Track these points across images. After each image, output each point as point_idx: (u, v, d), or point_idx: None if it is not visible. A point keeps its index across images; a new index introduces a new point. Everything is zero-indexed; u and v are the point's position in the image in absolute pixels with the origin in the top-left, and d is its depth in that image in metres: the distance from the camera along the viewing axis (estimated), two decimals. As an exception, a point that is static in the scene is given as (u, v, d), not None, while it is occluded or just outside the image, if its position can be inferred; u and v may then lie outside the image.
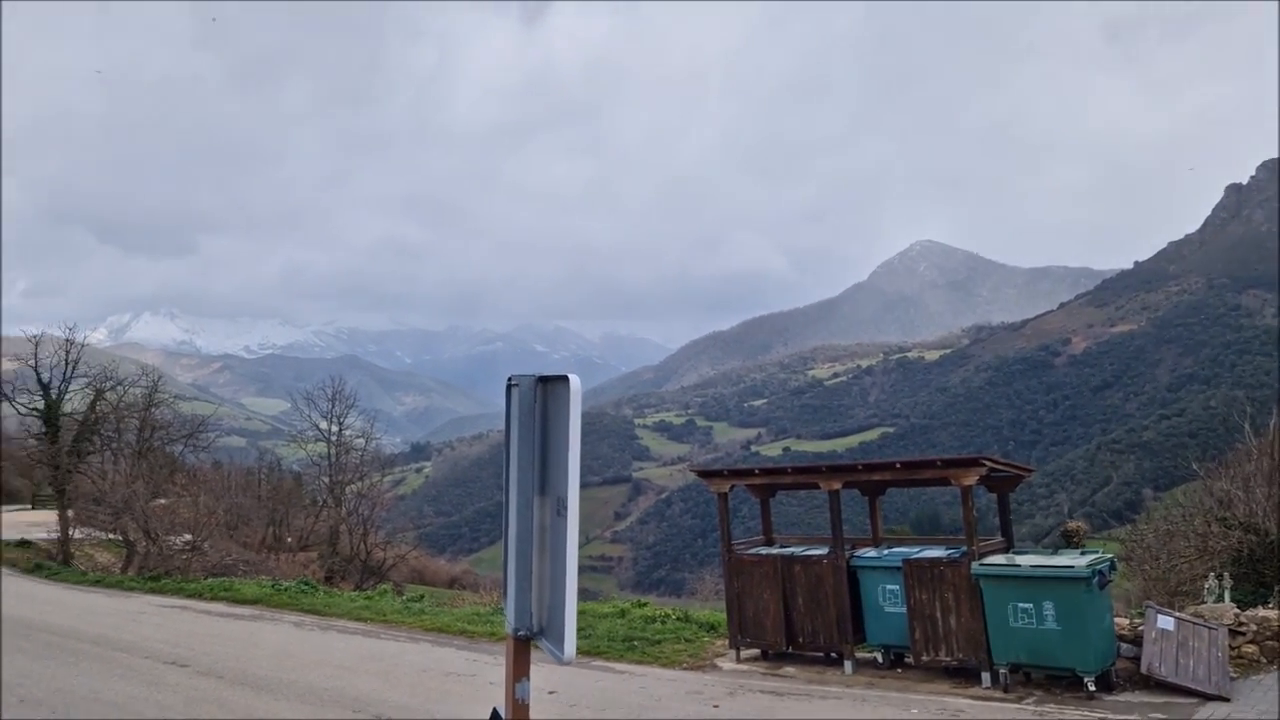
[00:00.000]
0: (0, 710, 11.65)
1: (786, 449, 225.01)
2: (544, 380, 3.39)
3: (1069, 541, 13.36)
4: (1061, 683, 11.24)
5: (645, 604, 19.30)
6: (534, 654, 3.70)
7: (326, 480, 51.99)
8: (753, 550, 14.19)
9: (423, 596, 24.56)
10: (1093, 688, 10.73)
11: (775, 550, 13.94)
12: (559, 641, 3.16)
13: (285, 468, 70.54)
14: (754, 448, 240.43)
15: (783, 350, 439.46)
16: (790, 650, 13.32)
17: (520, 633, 3.48)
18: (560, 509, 3.19)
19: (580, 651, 14.73)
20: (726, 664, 13.65)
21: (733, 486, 14.53)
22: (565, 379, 3.17)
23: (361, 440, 54.89)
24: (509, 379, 3.63)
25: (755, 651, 13.84)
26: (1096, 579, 10.73)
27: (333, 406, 53.73)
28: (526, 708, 3.53)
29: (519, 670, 3.50)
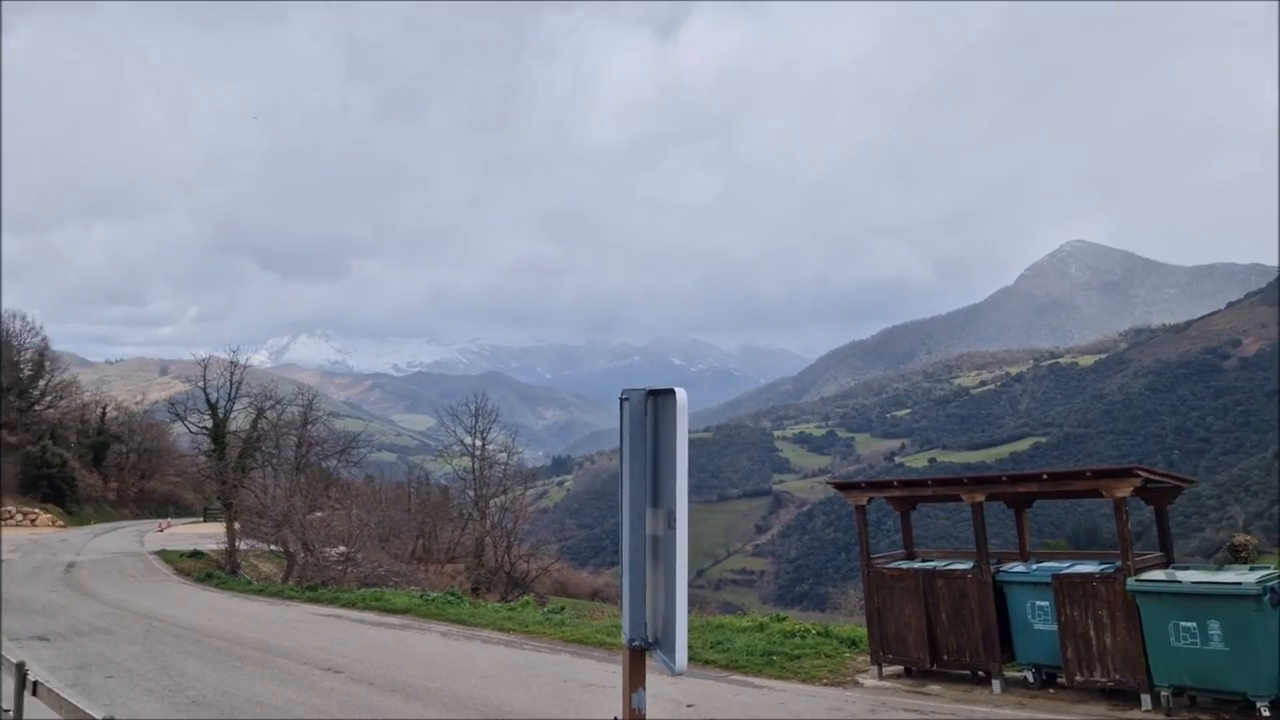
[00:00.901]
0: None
1: (932, 460, 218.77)
2: (653, 394, 3.40)
3: (1236, 556, 12.51)
4: (1231, 707, 10.48)
5: (784, 618, 19.06)
6: (652, 665, 3.71)
7: (472, 494, 53.50)
8: (893, 564, 13.83)
9: (564, 608, 24.96)
10: (1267, 714, 9.97)
11: (916, 564, 13.55)
12: (671, 652, 3.16)
13: (433, 482, 73.05)
14: (897, 459, 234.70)
15: (926, 359, 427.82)
16: (934, 668, 12.90)
17: (635, 643, 3.49)
18: (671, 521, 3.19)
19: (718, 665, 14.68)
20: (868, 681, 13.32)
21: (870, 499, 14.21)
22: (672, 393, 3.17)
23: (504, 454, 56.27)
24: (621, 393, 3.66)
25: (898, 668, 13.46)
26: (1268, 596, 9.98)
27: (476, 422, 55.35)
28: (643, 718, 3.54)
29: (635, 680, 3.51)
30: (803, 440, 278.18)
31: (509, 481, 53.28)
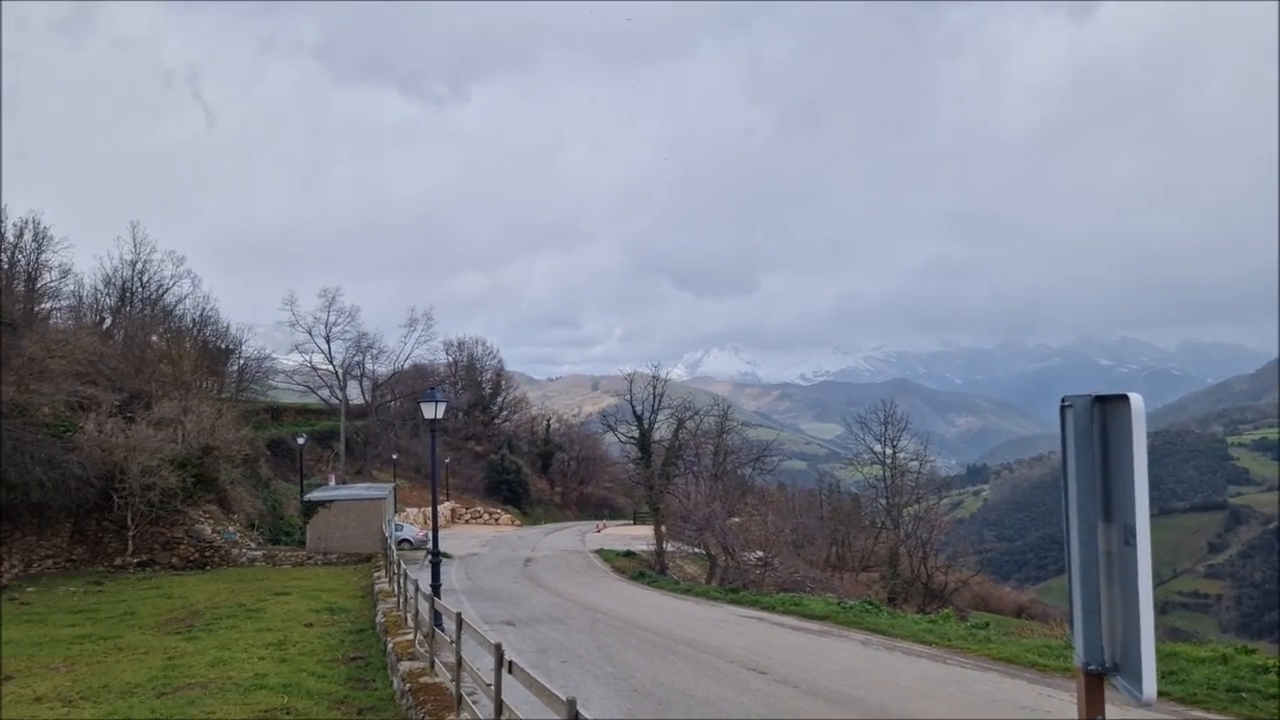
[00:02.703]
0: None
1: None
2: (1101, 400, 3.16)
3: None
4: None
5: (1253, 651, 16.62)
6: (1110, 693, 3.44)
7: (884, 502, 52.80)
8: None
9: (988, 624, 23.78)
10: None
11: None
12: (1136, 680, 2.91)
13: (843, 490, 73.02)
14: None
15: None
16: None
17: (1091, 667, 3.26)
18: (1128, 537, 2.95)
19: (1172, 698, 13.16)
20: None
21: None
22: (1125, 398, 2.93)
23: (916, 462, 54.93)
24: (1062, 400, 3.45)
25: None
26: None
27: (886, 429, 54.59)
28: (1103, 749, 3.28)
29: (1093, 708, 3.27)
30: (1265, 448, 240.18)
31: (922, 490, 51.90)
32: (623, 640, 19.69)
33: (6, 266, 55.51)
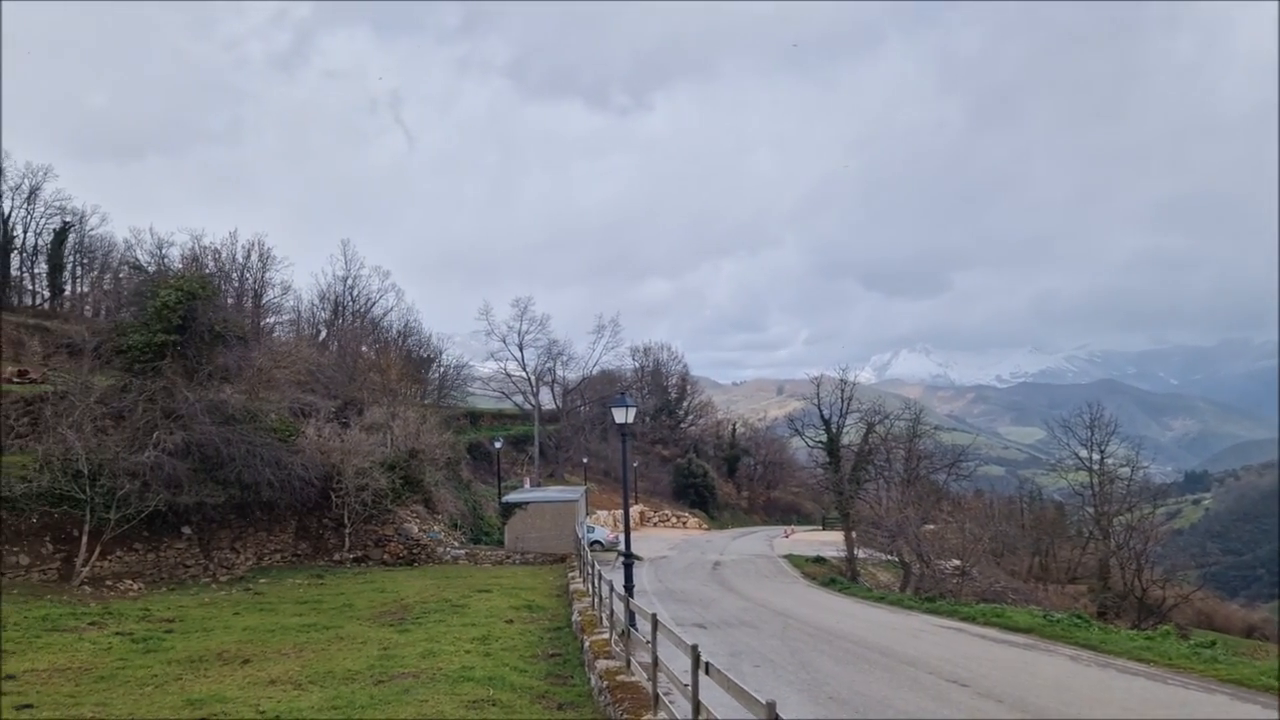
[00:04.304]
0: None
1: None
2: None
3: None
4: None
5: None
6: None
7: (1091, 511, 49.89)
8: None
9: (1214, 643, 21.98)
10: None
11: None
12: None
13: (1045, 497, 69.36)
14: None
15: None
16: None
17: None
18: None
19: None
20: None
21: None
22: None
23: (1127, 469, 51.63)
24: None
25: None
26: None
27: (1092, 434, 51.57)
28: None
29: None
30: None
31: (1134, 498, 48.66)
32: (816, 647, 19.46)
33: (237, 284, 60.66)
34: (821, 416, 48.78)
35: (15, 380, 36.14)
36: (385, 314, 77.55)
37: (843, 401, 49.34)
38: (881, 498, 45.55)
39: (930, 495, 46.47)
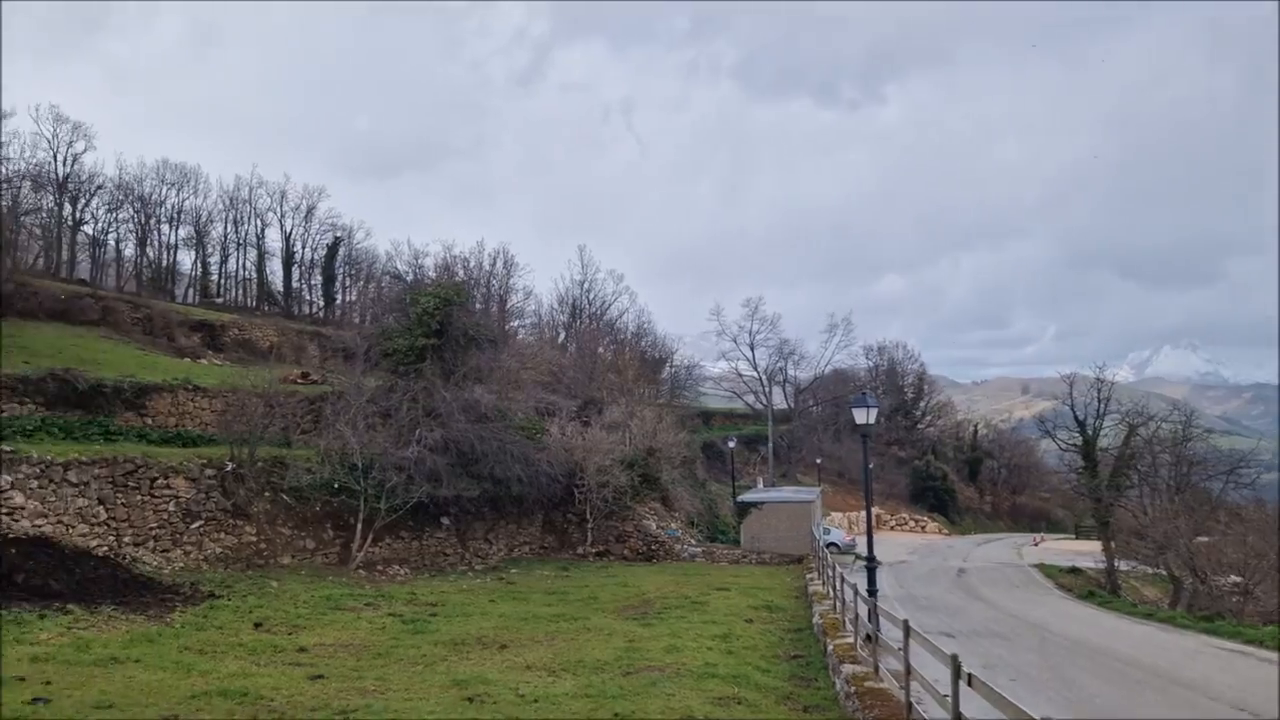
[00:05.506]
0: None
1: None
2: None
3: None
4: None
5: None
6: None
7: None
8: None
9: None
10: None
11: None
12: None
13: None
14: None
15: None
16: None
17: None
18: None
19: None
20: None
21: None
22: None
23: None
24: None
25: None
26: None
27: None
28: None
29: None
30: None
31: None
32: (1076, 663, 18.27)
33: (484, 290, 64.34)
34: (1075, 418, 45.68)
35: (299, 381, 40.05)
36: (620, 315, 79.96)
37: (1099, 402, 46.01)
38: (1145, 506, 42.09)
39: (1203, 505, 42.42)
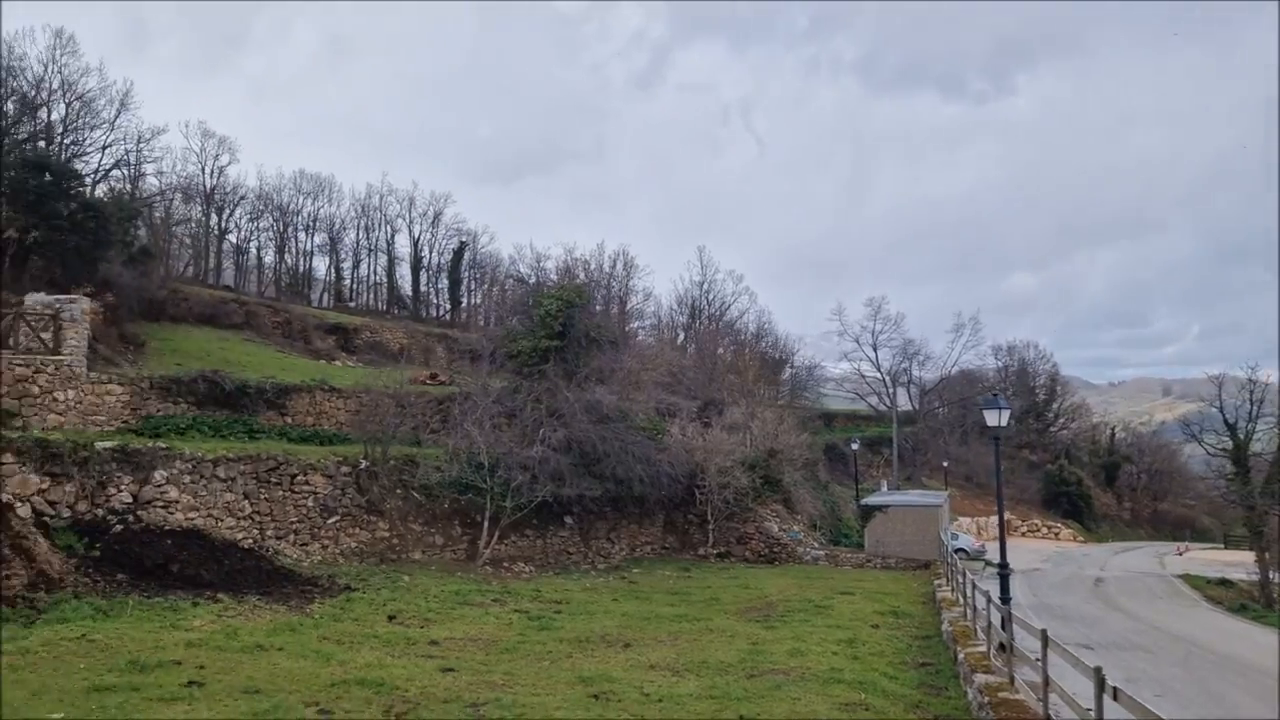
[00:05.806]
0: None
1: None
2: None
3: None
4: None
5: None
6: None
7: None
8: None
9: None
10: None
11: None
12: None
13: None
14: None
15: None
16: None
17: None
18: None
19: None
20: None
21: None
22: None
23: None
24: None
25: None
26: None
27: None
28: None
29: None
30: None
31: None
32: (1227, 680, 17.30)
33: (605, 292, 65.01)
34: (1225, 420, 43.17)
35: (428, 382, 41.32)
36: (740, 316, 79.58)
37: (1251, 404, 43.41)
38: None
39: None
